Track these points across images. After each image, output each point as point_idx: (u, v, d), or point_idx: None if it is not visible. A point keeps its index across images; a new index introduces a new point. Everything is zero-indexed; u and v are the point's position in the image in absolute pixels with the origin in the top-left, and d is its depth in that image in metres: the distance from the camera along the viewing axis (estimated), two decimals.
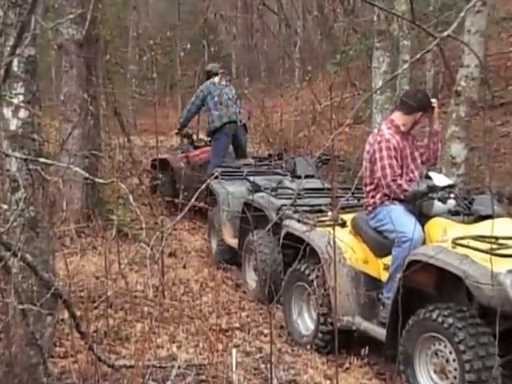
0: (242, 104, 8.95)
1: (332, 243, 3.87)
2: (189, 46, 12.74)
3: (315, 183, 6.53)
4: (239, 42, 21.58)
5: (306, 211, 5.10)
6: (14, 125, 3.43)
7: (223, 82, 8.50)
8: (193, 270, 6.50)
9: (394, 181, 4.36)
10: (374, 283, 4.42)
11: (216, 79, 8.55)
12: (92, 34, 7.34)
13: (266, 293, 5.03)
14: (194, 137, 9.80)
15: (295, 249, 4.75)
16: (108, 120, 8.95)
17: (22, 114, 3.40)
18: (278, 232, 5.18)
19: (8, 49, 2.72)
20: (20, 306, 2.78)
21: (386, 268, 4.35)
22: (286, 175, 7.09)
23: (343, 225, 4.70)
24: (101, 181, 3.14)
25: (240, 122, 8.30)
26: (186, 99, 12.82)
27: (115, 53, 13.58)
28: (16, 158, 3.20)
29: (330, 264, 4.29)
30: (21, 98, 3.40)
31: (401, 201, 4.37)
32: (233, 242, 6.61)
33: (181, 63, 13.62)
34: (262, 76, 18.59)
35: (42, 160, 2.98)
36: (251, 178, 6.84)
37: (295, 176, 6.98)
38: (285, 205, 5.54)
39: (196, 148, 9.22)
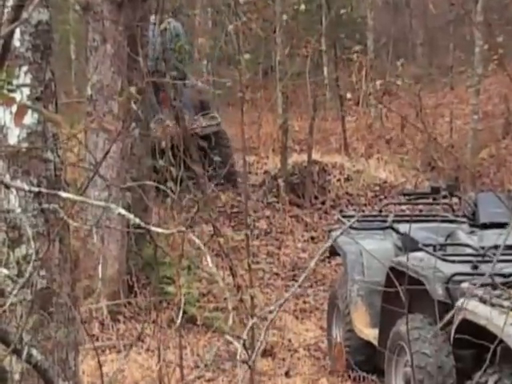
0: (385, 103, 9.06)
1: None
2: (302, 6, 12.74)
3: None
4: None
5: (497, 285, 5.02)
6: (14, 136, 3.52)
7: None
8: (302, 381, 6.58)
9: None
10: None
11: None
12: None
13: None
14: None
15: (477, 349, 4.77)
16: (164, 129, 9.15)
17: (29, 118, 3.49)
18: (448, 319, 5.12)
19: (7, 12, 2.77)
20: None
21: None
22: (461, 223, 7.03)
23: None
24: (159, 229, 3.10)
25: None
26: (291, 95, 12.93)
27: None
28: (18, 190, 3.27)
29: None
30: (26, 91, 3.47)
31: None
32: (369, 333, 6.61)
33: (286, 35, 13.72)
34: (418, 55, 18.52)
35: (62, 195, 3.01)
36: (401, 228, 6.80)
37: (477, 224, 6.91)
38: (460, 273, 5.52)
39: None
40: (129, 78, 7.47)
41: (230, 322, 3.21)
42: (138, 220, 2.95)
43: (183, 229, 3.06)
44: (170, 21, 11.33)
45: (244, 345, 2.99)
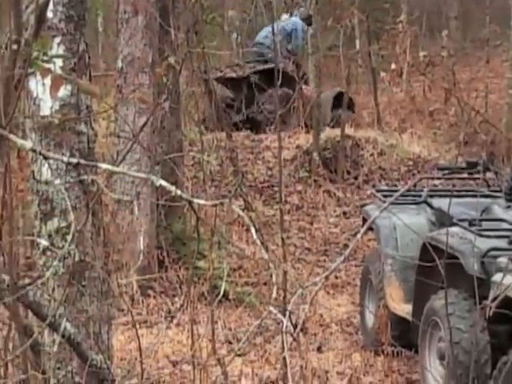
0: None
1: None
2: None
3: None
4: None
5: None
6: (47, 108, 3.51)
7: None
8: (334, 356, 6.56)
9: None
10: None
11: None
12: None
13: None
14: None
15: None
16: (196, 102, 9.11)
17: (62, 90, 3.46)
18: (484, 295, 5.09)
19: None
20: None
21: None
22: (497, 198, 6.97)
23: None
24: (201, 201, 3.04)
25: None
26: (323, 68, 12.87)
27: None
28: (51, 160, 3.25)
29: None
30: (59, 63, 3.43)
31: None
32: (403, 309, 6.61)
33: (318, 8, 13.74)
34: (453, 28, 18.29)
35: (102, 166, 2.97)
36: (435, 202, 6.78)
37: None
38: (496, 248, 5.49)
39: None
40: (160, 50, 7.45)
41: (275, 294, 3.17)
42: (179, 192, 2.93)
43: (227, 200, 3.00)
44: (287, 17, 13.77)
45: (290, 316, 2.96)
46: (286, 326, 2.95)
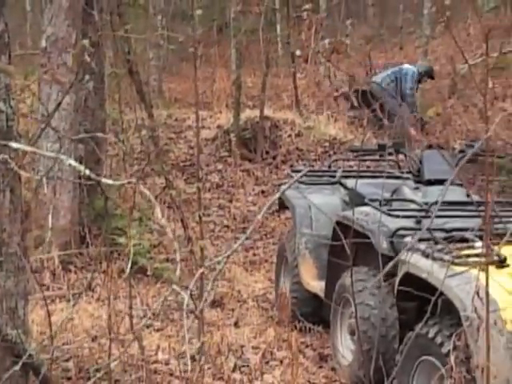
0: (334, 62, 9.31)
1: (483, 294, 3.81)
2: None
3: (455, 193, 6.44)
4: None
5: (438, 239, 5.07)
6: None
7: None
8: (250, 331, 6.56)
9: None
10: None
11: None
12: None
13: (371, 372, 5.01)
14: None
15: (419, 301, 4.82)
16: (118, 82, 9.03)
17: None
18: (392, 272, 5.11)
19: None
20: None
21: None
22: (406, 179, 7.07)
23: (502, 264, 4.66)
24: (109, 181, 3.07)
25: None
26: (244, 51, 12.89)
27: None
28: None
29: (478, 329, 4.25)
30: None
31: None
32: (316, 286, 6.65)
33: None
34: (370, 15, 18.50)
35: (12, 145, 2.97)
36: (349, 183, 6.85)
37: (421, 181, 6.96)
38: (404, 228, 5.55)
39: None
40: (83, 31, 7.38)
41: (178, 272, 3.19)
42: (88, 171, 2.91)
43: (134, 180, 3.00)
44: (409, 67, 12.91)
45: (191, 295, 2.96)
46: (188, 305, 2.96)
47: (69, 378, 4.34)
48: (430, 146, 8.12)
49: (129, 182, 3.29)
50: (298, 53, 14.02)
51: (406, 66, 12.97)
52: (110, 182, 3.10)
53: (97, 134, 6.92)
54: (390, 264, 4.82)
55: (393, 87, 12.61)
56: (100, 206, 7.69)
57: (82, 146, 7.29)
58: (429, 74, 12.96)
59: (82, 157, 7.08)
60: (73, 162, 2.87)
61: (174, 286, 3.09)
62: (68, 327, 5.61)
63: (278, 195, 3.00)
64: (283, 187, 7.21)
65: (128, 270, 4.26)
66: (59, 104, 5.96)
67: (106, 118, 8.22)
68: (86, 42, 5.47)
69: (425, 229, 5.18)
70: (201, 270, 3.17)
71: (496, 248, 4.66)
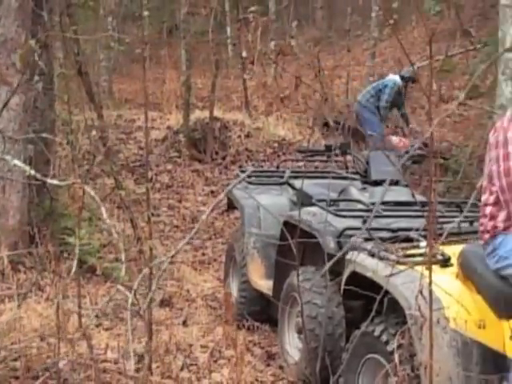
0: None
1: (427, 293, 3.85)
2: None
3: (400, 193, 6.54)
4: None
5: (384, 239, 5.09)
6: None
7: None
8: (198, 330, 6.55)
9: None
10: (494, 361, 4.32)
11: None
12: None
13: (317, 370, 5.02)
14: None
15: (365, 299, 4.76)
16: (67, 83, 9.00)
17: None
18: (339, 272, 5.17)
19: None
20: None
21: None
22: (353, 180, 7.12)
23: (446, 263, 4.67)
24: (55, 182, 3.10)
25: None
26: (194, 53, 12.89)
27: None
28: None
29: (422, 327, 4.25)
30: None
31: None
32: (264, 285, 6.65)
33: None
34: (318, 18, 18.59)
35: None
36: (297, 183, 6.86)
37: (368, 181, 7.04)
38: (350, 228, 5.57)
39: None
40: (33, 32, 7.34)
41: (123, 272, 3.20)
42: (33, 172, 2.91)
43: (79, 181, 3.01)
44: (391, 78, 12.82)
45: (135, 294, 2.98)
46: (132, 304, 2.97)
47: (16, 378, 4.30)
48: (377, 148, 8.22)
49: (74, 183, 3.30)
50: (243, 54, 14.06)
51: (390, 76, 12.92)
52: (55, 182, 3.12)
53: (46, 134, 6.88)
54: (332, 261, 4.88)
55: (372, 102, 12.58)
56: (49, 205, 7.66)
57: (31, 147, 7.23)
58: (412, 79, 12.86)
59: (32, 157, 7.03)
60: (18, 163, 2.88)
61: (119, 286, 3.10)
62: (16, 327, 5.56)
63: (223, 195, 3.02)
64: (229, 187, 7.28)
65: (74, 269, 4.27)
66: (6, 104, 5.93)
67: (55, 119, 8.18)
68: (32, 42, 5.47)
69: (364, 229, 5.24)
70: (145, 270, 3.19)
71: (440, 247, 4.74)
